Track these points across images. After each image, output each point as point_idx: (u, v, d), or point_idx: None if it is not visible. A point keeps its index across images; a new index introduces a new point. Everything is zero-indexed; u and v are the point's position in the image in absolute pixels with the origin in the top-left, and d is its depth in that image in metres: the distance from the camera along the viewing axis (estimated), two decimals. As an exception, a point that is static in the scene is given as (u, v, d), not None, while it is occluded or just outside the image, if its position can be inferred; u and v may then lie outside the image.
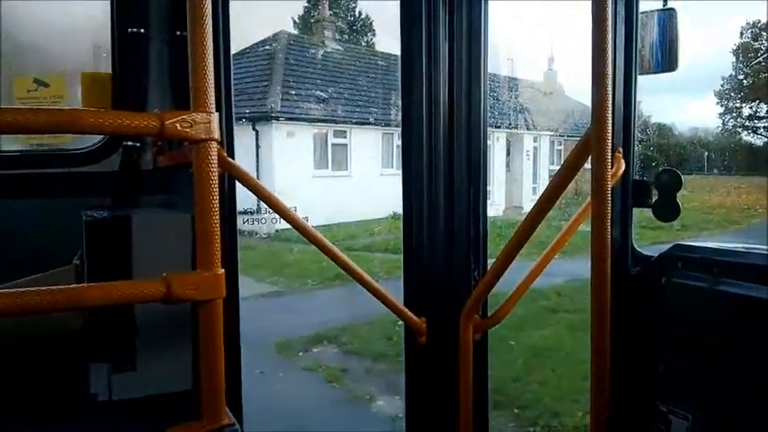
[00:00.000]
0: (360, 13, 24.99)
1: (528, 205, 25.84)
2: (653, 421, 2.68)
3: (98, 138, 2.32)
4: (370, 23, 25.09)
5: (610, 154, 1.67)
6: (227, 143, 2.12)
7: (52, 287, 1.48)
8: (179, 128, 1.48)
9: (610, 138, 1.67)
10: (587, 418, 2.95)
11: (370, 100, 22.77)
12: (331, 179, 19.05)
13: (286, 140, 17.73)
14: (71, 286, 1.71)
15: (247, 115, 17.37)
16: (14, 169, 2.25)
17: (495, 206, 25.18)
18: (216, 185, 1.53)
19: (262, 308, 8.59)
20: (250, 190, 2.12)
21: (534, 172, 27.66)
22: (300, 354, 7.34)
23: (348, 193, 18.43)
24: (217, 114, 1.54)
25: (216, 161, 1.54)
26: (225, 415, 1.56)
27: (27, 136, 2.34)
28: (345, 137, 21.21)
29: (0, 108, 1.52)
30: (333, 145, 20.81)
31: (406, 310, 2.57)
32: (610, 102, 1.67)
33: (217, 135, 1.54)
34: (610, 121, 1.67)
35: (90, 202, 2.11)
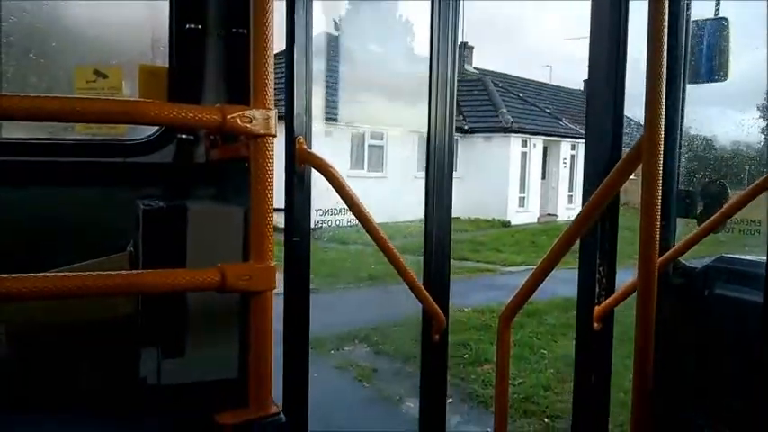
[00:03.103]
0: (400, 17, 25.02)
1: (563, 213, 25.59)
2: (689, 434, 2.65)
3: (152, 130, 2.39)
4: (411, 27, 25.08)
5: (662, 163, 1.66)
6: (308, 138, 2.23)
7: (112, 272, 1.53)
8: (239, 122, 1.52)
9: (662, 147, 1.66)
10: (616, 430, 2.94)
11: (407, 102, 22.81)
12: (366, 180, 19.16)
13: (324, 140, 17.91)
14: (131, 272, 1.78)
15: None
16: (72, 157, 2.33)
17: (530, 213, 24.99)
18: (272, 180, 1.57)
19: (295, 304, 8.65)
20: (331, 183, 2.20)
21: (571, 180, 27.39)
22: (332, 351, 7.39)
23: (383, 195, 18.50)
24: (275, 111, 1.58)
25: (272, 156, 1.58)
26: (272, 403, 1.59)
27: (85, 126, 2.42)
28: (382, 138, 21.31)
29: (71, 96, 1.58)
30: (369, 146, 20.93)
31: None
32: (663, 111, 1.66)
33: (274, 131, 1.58)
34: (663, 131, 1.66)
35: (143, 192, 2.17)
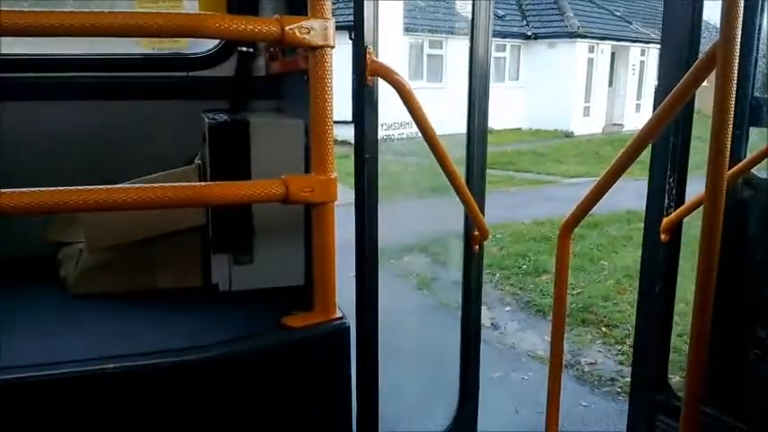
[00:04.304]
0: None
1: (630, 123, 24.68)
2: (749, 345, 2.64)
3: (213, 43, 2.41)
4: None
5: (737, 69, 1.58)
6: (375, 49, 2.12)
7: (182, 183, 1.60)
8: (298, 34, 1.52)
9: (738, 52, 1.58)
10: (676, 341, 2.96)
11: (469, 9, 21.95)
12: (425, 90, 18.85)
13: (381, 50, 17.57)
14: (199, 183, 1.85)
15: (344, 23, 17.25)
16: (139, 71, 2.39)
17: (594, 123, 24.20)
18: (331, 92, 1.58)
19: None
20: (402, 97, 2.15)
21: (639, 87, 26.19)
22: (392, 261, 7.54)
23: (442, 106, 18.18)
24: (333, 20, 1.57)
25: (331, 67, 1.58)
26: (336, 309, 1.67)
27: (149, 41, 2.46)
28: (441, 47, 20.71)
29: (135, 11, 1.60)
30: (428, 56, 20.40)
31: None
32: (741, 13, 1.57)
33: (332, 42, 1.57)
34: (739, 34, 1.57)
35: (207, 106, 2.22)
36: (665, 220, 2.70)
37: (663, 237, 2.72)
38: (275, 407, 1.66)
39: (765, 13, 2.65)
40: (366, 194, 2.11)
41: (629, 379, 4.69)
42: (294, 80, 2.00)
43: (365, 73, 2.03)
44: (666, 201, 2.74)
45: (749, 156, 2.64)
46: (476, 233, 2.88)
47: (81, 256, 2.00)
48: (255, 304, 1.88)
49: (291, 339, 1.65)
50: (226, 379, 1.59)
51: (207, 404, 1.57)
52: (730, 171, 2.53)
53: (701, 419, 1.69)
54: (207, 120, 1.90)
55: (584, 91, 23.97)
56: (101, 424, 1.49)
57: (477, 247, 2.94)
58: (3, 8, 1.30)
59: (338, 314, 1.68)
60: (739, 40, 1.56)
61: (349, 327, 1.70)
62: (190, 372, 1.55)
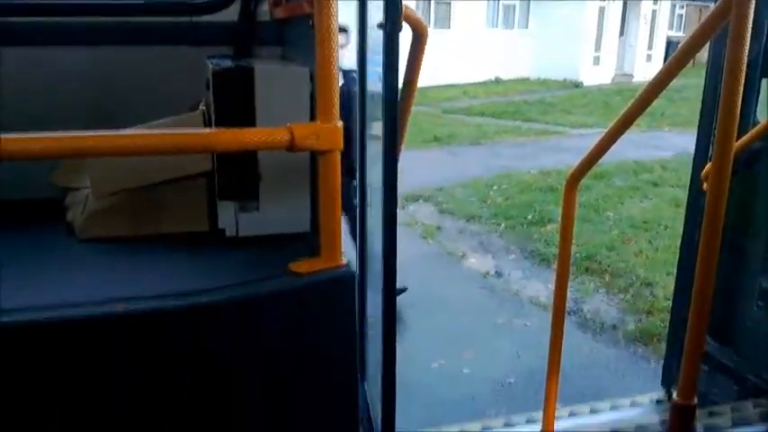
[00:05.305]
0: None
1: (640, 73, 24.27)
2: (753, 296, 2.67)
3: (217, -13, 2.37)
4: None
5: (752, 18, 1.55)
6: None
7: (189, 130, 1.59)
8: (302, -24, 1.49)
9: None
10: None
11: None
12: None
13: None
14: (206, 130, 1.85)
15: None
16: (141, 16, 2.35)
17: (604, 73, 23.82)
18: (336, 38, 1.56)
19: (361, 164, 8.75)
20: (417, 46, 2.09)
21: (651, 37, 25.67)
22: (398, 209, 7.53)
23: (448, 55, 17.87)
24: None
25: (336, 12, 1.55)
26: (341, 255, 1.68)
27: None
28: (449, -7, 20.30)
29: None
30: (437, 3, 19.99)
31: None
32: None
33: None
34: None
35: (211, 52, 2.19)
36: (704, 170, 2.68)
37: (704, 186, 2.69)
38: (280, 351, 1.69)
39: None
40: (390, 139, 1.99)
41: (630, 327, 4.76)
42: (299, 25, 1.96)
43: (401, 17, 1.87)
44: (711, 151, 2.70)
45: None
46: None
47: (88, 201, 2.01)
48: (262, 250, 1.89)
49: (297, 284, 1.67)
50: (232, 322, 1.61)
51: (214, 347, 1.60)
52: (743, 139, 2.51)
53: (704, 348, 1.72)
54: (211, 66, 1.88)
55: (595, 40, 23.52)
56: (109, 365, 1.52)
57: None
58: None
59: (344, 261, 1.69)
60: None
61: (354, 274, 1.72)
62: (197, 315, 1.57)
